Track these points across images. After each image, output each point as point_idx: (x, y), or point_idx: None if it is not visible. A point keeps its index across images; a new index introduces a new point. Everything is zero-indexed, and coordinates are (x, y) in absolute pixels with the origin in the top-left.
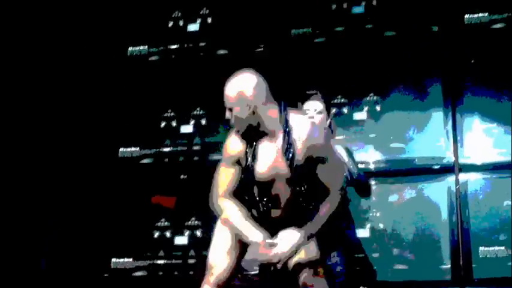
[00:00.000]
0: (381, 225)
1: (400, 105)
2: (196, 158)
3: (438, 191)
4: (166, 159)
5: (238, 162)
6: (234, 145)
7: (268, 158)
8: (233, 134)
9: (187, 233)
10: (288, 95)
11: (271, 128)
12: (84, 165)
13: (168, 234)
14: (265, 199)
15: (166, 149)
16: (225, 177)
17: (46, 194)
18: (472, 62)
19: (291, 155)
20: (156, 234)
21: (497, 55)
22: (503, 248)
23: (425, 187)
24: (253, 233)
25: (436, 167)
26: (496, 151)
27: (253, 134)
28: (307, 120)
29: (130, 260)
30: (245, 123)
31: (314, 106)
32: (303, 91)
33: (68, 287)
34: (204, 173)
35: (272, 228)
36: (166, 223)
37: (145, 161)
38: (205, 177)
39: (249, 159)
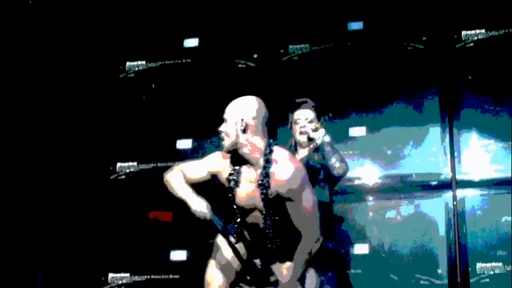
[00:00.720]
0: (378, 242)
1: (397, 121)
2: None
3: (435, 207)
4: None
5: (213, 175)
6: (218, 160)
7: (248, 187)
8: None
9: (184, 248)
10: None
11: (256, 156)
12: (81, 181)
13: (164, 249)
14: (241, 224)
15: (163, 164)
16: (193, 167)
17: (43, 208)
18: (470, 78)
19: (263, 188)
20: (153, 249)
21: (495, 71)
22: (500, 264)
23: (422, 203)
24: (195, 200)
25: (434, 183)
26: (494, 167)
27: (237, 156)
28: (289, 157)
29: (127, 274)
30: (232, 139)
31: (305, 115)
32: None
33: None
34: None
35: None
36: (163, 238)
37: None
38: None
39: (232, 183)
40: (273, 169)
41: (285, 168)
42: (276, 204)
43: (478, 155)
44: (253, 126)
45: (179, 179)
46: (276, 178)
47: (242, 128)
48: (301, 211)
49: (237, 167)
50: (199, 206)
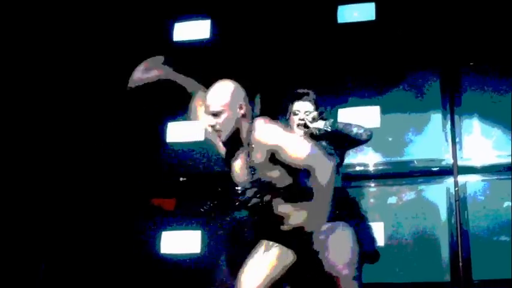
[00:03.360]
0: (380, 228)
1: (398, 107)
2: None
3: (437, 193)
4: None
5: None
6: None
7: (239, 165)
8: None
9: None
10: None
11: (246, 137)
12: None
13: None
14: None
15: None
16: None
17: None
18: (471, 64)
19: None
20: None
21: (497, 56)
22: (502, 249)
23: (424, 189)
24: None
25: (435, 169)
26: (495, 153)
27: (233, 143)
28: (263, 121)
29: None
30: (230, 129)
31: (304, 107)
32: (293, 90)
33: None
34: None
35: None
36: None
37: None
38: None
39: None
40: (252, 137)
41: (258, 130)
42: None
43: (480, 141)
44: (248, 109)
45: None
46: (253, 142)
47: (243, 112)
48: (294, 160)
49: (229, 153)
50: None
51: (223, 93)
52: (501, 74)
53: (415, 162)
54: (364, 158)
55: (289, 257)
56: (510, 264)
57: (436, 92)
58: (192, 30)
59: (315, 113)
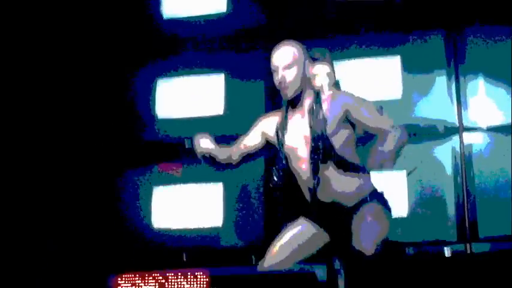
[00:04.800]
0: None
1: (403, 68)
2: None
3: (443, 152)
4: None
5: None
6: (264, 119)
7: (296, 130)
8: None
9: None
10: None
11: (311, 97)
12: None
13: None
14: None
15: None
16: (247, 135)
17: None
18: (476, 22)
19: (315, 120)
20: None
21: (501, 15)
22: (508, 206)
23: (430, 149)
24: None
25: (441, 129)
26: (500, 112)
27: (300, 98)
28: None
29: None
30: (297, 85)
31: (323, 70)
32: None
33: None
34: None
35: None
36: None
37: None
38: None
39: (280, 131)
40: (325, 96)
41: (336, 93)
42: (324, 140)
43: (485, 100)
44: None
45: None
46: (330, 103)
47: (311, 73)
48: (373, 116)
49: (285, 116)
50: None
51: (294, 48)
52: (506, 34)
53: (421, 122)
54: None
55: (324, 237)
56: None
57: (441, 53)
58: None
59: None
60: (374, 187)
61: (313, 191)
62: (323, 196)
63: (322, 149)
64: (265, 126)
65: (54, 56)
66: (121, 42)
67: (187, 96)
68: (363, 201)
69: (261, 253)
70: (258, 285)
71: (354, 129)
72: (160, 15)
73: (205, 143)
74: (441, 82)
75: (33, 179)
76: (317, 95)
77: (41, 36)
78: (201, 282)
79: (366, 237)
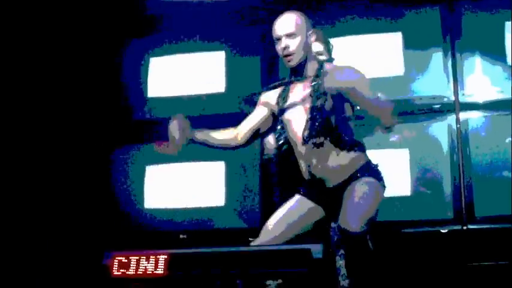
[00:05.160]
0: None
1: (399, 45)
2: None
3: (439, 130)
4: None
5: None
6: (266, 94)
7: (297, 97)
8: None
9: None
10: None
11: (314, 66)
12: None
13: None
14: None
15: None
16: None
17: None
18: None
19: (316, 90)
20: None
21: None
22: (505, 185)
23: (426, 127)
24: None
25: (437, 106)
26: (496, 89)
27: (303, 68)
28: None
29: None
30: (302, 54)
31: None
32: None
33: None
34: None
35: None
36: None
37: None
38: None
39: (280, 99)
40: (327, 69)
41: (340, 67)
42: (322, 112)
43: (481, 77)
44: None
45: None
46: (331, 74)
47: (313, 41)
48: (369, 98)
49: (285, 86)
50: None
51: (296, 17)
52: (503, 10)
53: (417, 99)
54: None
55: (319, 213)
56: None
57: (437, 29)
58: None
59: None
60: (367, 162)
61: (307, 165)
62: (317, 170)
63: (319, 122)
64: (268, 97)
65: (41, 39)
66: (113, 19)
67: (182, 74)
68: (353, 177)
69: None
70: (250, 262)
71: (352, 104)
72: None
73: (175, 129)
74: (437, 59)
75: (22, 160)
76: (320, 66)
77: (28, 18)
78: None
79: (351, 214)
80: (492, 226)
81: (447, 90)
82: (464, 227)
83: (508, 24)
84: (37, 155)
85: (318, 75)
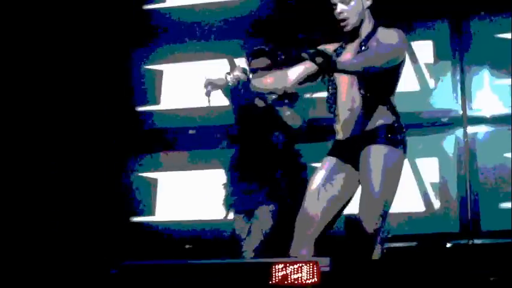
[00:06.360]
0: None
1: (408, 59)
2: None
3: (447, 143)
4: None
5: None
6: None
7: (348, 55)
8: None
9: None
10: None
11: (368, 30)
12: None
13: None
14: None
15: None
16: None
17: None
18: (482, 13)
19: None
20: None
21: (507, 5)
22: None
23: (434, 140)
24: None
25: (445, 119)
26: (505, 103)
27: (358, 30)
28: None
29: None
30: (358, 18)
31: None
32: None
33: None
34: None
35: None
36: None
37: None
38: None
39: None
40: (377, 34)
41: (388, 30)
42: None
43: (490, 92)
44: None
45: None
46: (379, 37)
47: (369, 3)
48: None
49: (342, 45)
50: None
51: None
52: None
53: (425, 113)
54: None
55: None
56: None
57: (446, 43)
58: None
59: None
60: (393, 123)
61: (343, 122)
62: (349, 128)
63: (364, 82)
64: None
65: (45, 53)
66: (121, 29)
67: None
68: (374, 135)
69: None
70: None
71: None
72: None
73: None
74: (446, 72)
75: (36, 168)
76: (374, 28)
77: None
78: None
79: (365, 211)
80: (498, 241)
81: (456, 104)
82: (470, 241)
83: None
84: (50, 164)
85: (370, 36)
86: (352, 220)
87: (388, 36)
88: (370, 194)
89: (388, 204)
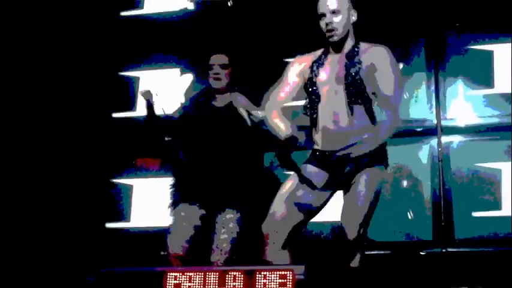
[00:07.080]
0: None
1: None
2: None
3: (421, 153)
4: None
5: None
6: (297, 60)
7: (332, 69)
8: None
9: None
10: None
11: (352, 41)
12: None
13: None
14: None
15: None
16: (281, 85)
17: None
18: (457, 25)
19: (351, 64)
20: None
21: (481, 17)
22: (484, 209)
23: (408, 149)
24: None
25: (419, 129)
26: (478, 113)
27: (343, 43)
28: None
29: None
30: (345, 29)
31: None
32: None
33: None
34: None
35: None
36: None
37: None
38: None
39: (315, 67)
40: (364, 46)
41: (377, 46)
42: (358, 84)
43: (463, 102)
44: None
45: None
46: (368, 52)
47: (354, 19)
48: (393, 84)
49: (322, 56)
50: None
51: None
52: (485, 36)
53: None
54: None
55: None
56: (491, 224)
57: (421, 53)
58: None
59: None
60: (379, 150)
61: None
62: (331, 140)
63: (354, 91)
64: (301, 65)
65: (45, 53)
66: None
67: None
68: (361, 159)
69: None
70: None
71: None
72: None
73: None
74: (420, 82)
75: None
76: (356, 42)
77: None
78: None
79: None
80: (471, 250)
81: (430, 114)
82: (444, 250)
83: (491, 51)
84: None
85: (354, 49)
86: (335, 227)
87: (385, 66)
88: (355, 202)
89: (371, 212)
